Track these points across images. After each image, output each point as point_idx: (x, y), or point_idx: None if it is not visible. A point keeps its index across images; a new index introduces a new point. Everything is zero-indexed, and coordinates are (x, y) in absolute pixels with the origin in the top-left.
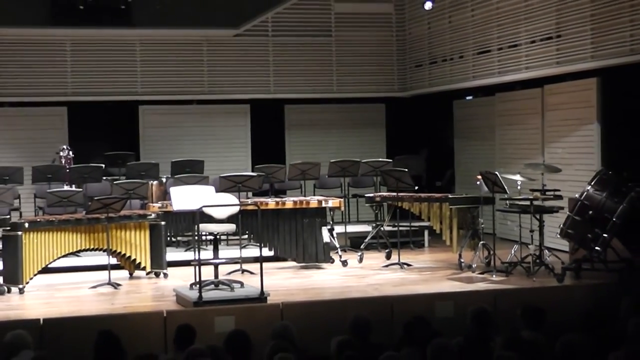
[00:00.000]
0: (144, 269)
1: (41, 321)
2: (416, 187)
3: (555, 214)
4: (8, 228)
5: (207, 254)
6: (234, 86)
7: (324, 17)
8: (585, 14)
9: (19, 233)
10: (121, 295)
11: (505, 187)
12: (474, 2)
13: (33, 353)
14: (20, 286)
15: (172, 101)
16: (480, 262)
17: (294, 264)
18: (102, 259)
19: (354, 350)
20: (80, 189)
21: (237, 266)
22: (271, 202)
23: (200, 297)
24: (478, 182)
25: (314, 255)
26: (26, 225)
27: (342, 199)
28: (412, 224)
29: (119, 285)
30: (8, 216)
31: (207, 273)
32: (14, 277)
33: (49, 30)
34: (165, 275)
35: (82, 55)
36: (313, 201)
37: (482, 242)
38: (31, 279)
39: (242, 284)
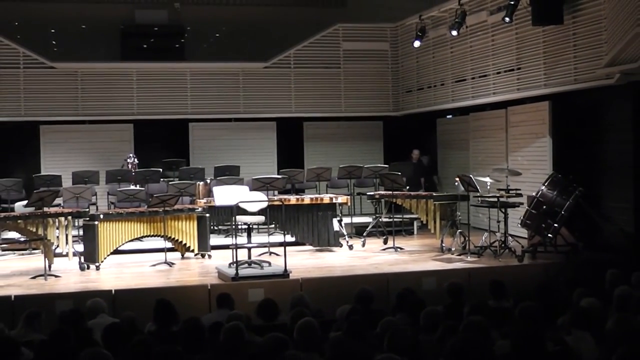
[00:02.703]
0: (192, 251)
1: (113, 291)
2: (407, 187)
3: (517, 208)
4: (87, 219)
5: (242, 239)
6: (264, 107)
7: (334, 53)
8: (539, 51)
9: (96, 223)
10: (175, 272)
11: (478, 187)
12: (452, 42)
13: (108, 315)
14: (97, 264)
15: (215, 119)
16: (458, 246)
17: (310, 247)
18: (160, 243)
19: (358, 316)
20: (143, 188)
21: (266, 249)
22: (293, 199)
23: (237, 273)
24: (456, 183)
25: (326, 240)
26: (101, 216)
27: (348, 196)
28: (404, 216)
29: (173, 264)
30: (87, 209)
31: (242, 254)
32: (91, 257)
33: (120, 64)
34: (209, 256)
35: (145, 84)
36: (326, 198)
37: (459, 230)
38: (105, 258)
39: (269, 264)
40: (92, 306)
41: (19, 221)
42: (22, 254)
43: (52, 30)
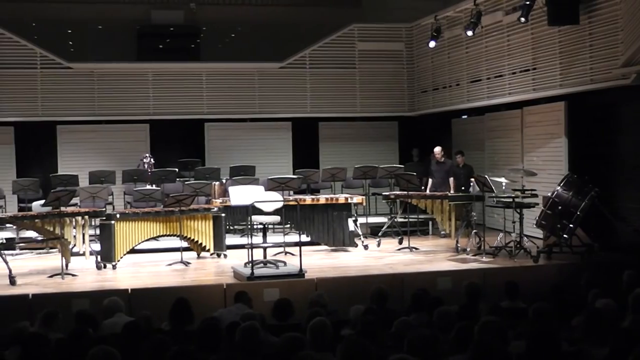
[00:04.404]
0: (208, 250)
1: (129, 290)
2: (422, 187)
3: (532, 208)
4: (104, 218)
5: (257, 239)
6: (279, 107)
7: (349, 53)
8: (554, 51)
9: (112, 222)
10: (190, 271)
11: (493, 187)
12: (467, 42)
13: (124, 314)
14: (113, 263)
15: (231, 119)
16: (473, 246)
17: (325, 247)
18: (176, 242)
19: (373, 315)
20: (159, 188)
21: (281, 249)
22: (308, 199)
23: (252, 273)
24: (472, 184)
25: (341, 240)
26: (118, 216)
27: (364, 196)
28: (419, 216)
29: (189, 263)
30: (104, 209)
31: (258, 254)
32: (108, 256)
33: (136, 65)
34: (225, 255)
35: (161, 84)
36: (341, 198)
37: (474, 230)
38: (121, 257)
39: (285, 263)
40: (109, 305)
41: (37, 220)
42: (40, 253)
43: (69, 31)
